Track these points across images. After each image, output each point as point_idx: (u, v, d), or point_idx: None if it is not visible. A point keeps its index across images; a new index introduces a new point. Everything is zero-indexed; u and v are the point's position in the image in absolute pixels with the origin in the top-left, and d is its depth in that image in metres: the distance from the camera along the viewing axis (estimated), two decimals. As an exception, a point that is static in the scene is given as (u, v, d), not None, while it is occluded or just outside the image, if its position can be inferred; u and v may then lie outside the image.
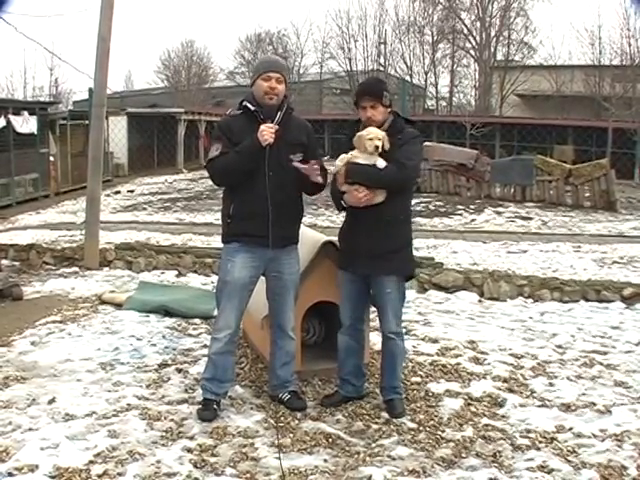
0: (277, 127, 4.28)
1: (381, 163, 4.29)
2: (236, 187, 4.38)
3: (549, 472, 3.83)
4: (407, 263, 4.54)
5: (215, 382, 4.48)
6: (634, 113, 25.93)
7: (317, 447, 4.09)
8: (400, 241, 4.45)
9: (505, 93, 39.38)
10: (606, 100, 29.51)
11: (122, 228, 11.75)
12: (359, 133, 4.36)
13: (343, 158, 4.40)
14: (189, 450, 3.99)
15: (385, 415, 4.51)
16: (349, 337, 4.65)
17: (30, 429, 4.18)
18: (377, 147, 4.27)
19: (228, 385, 4.63)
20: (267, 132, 4.23)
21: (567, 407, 4.71)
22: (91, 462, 3.81)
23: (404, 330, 6.13)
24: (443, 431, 4.31)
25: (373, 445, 4.13)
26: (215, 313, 6.54)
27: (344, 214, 4.63)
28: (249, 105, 4.38)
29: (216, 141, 4.41)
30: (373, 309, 4.82)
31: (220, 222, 4.64)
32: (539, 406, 4.72)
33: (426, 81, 44.05)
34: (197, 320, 6.54)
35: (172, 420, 4.36)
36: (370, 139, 4.29)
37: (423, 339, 6.10)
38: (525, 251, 10.65)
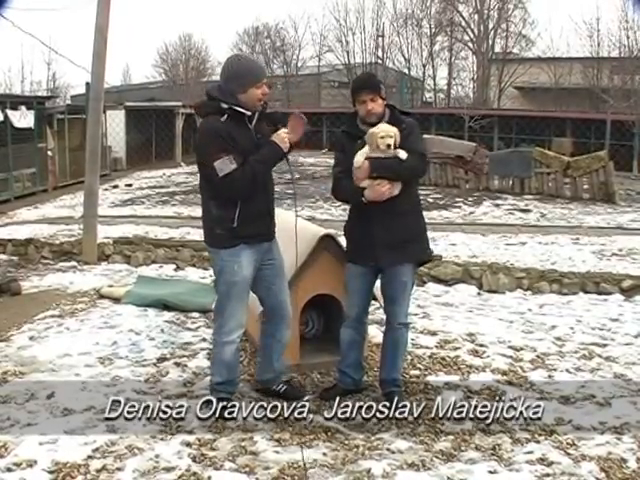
0: (287, 130, 4.24)
1: (403, 154, 4.28)
2: None
3: (549, 465, 3.82)
4: (425, 250, 4.61)
5: (229, 384, 4.48)
6: (633, 105, 25.88)
7: (316, 441, 4.09)
8: (417, 229, 4.51)
9: (503, 85, 39.28)
10: (604, 92, 29.44)
11: (120, 222, 11.72)
12: (371, 130, 4.32)
13: (363, 153, 4.34)
14: (188, 444, 3.99)
15: (384, 408, 4.48)
16: (353, 330, 4.65)
17: (29, 424, 4.18)
18: (389, 145, 4.25)
19: (238, 380, 4.64)
20: (287, 138, 4.21)
21: (566, 400, 4.71)
22: (90, 457, 3.82)
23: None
24: (442, 424, 4.30)
25: (372, 438, 4.12)
26: (213, 307, 6.60)
27: (345, 206, 4.65)
28: (244, 111, 4.19)
29: (223, 152, 4.11)
30: (372, 302, 4.82)
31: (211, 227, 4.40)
32: (538, 399, 4.71)
33: (424, 74, 43.93)
34: (195, 314, 6.54)
35: (171, 414, 4.35)
36: (382, 137, 4.26)
37: (422, 332, 6.10)
38: (524, 243, 10.64)
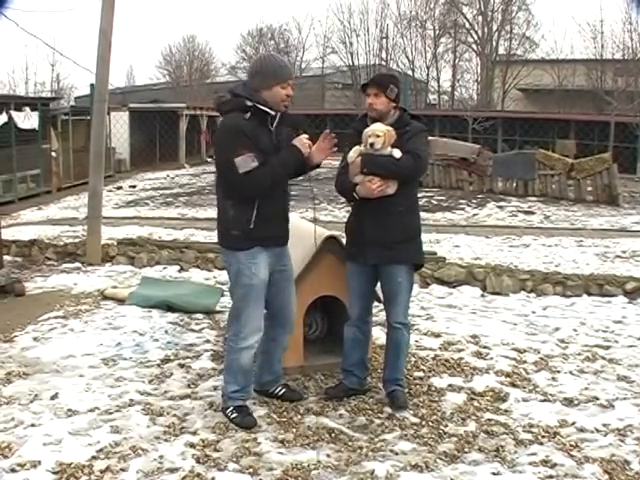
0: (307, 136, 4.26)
1: (397, 153, 4.32)
2: None
3: (552, 467, 3.82)
4: (417, 252, 4.59)
5: (244, 390, 4.42)
6: (636, 107, 25.86)
7: (320, 442, 4.09)
8: (411, 231, 4.51)
9: (507, 87, 39.32)
10: (608, 94, 29.43)
11: (124, 223, 11.75)
12: (365, 129, 4.39)
13: (356, 150, 4.42)
14: (192, 445, 3.99)
15: (388, 410, 4.50)
16: (357, 329, 4.67)
17: (33, 425, 4.18)
18: (372, 144, 4.30)
19: (252, 386, 4.62)
20: (308, 143, 4.24)
21: (570, 401, 4.70)
22: (94, 458, 3.82)
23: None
24: (446, 426, 4.31)
25: (376, 440, 4.13)
26: (217, 308, 6.62)
27: (349, 207, 4.69)
28: (268, 110, 4.16)
29: (246, 149, 4.05)
30: (375, 303, 4.82)
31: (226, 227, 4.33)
32: (542, 401, 4.71)
33: (428, 75, 44.02)
34: (199, 315, 6.54)
35: (175, 415, 4.36)
36: (369, 135, 4.32)
37: (426, 334, 6.10)
38: (527, 245, 10.64)
